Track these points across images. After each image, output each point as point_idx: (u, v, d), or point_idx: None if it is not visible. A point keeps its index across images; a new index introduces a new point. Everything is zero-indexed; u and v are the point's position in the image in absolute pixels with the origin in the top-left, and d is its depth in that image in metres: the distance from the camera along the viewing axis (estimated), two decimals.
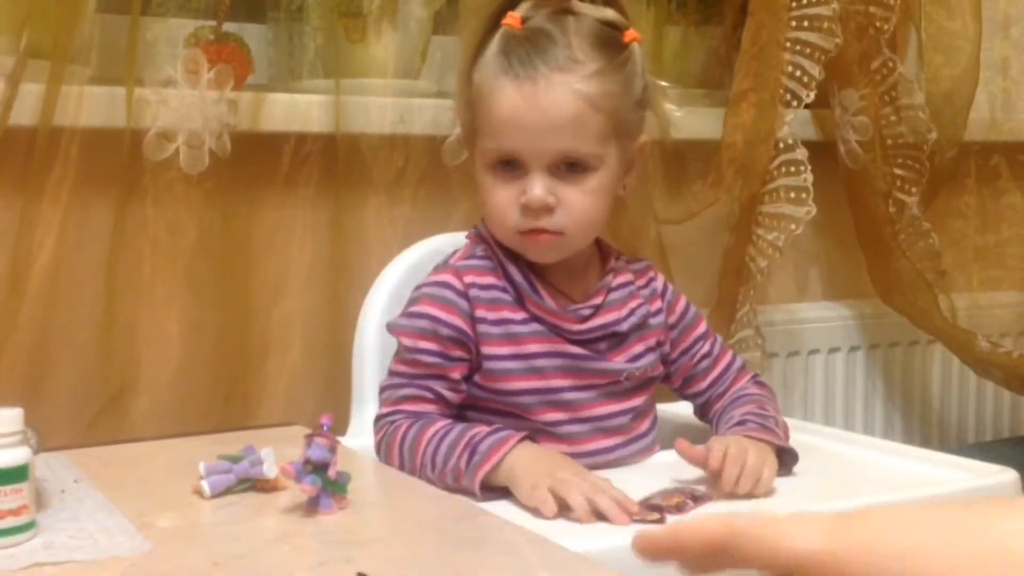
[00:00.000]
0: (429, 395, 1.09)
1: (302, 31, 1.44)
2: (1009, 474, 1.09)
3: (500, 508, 0.95)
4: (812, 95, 1.62)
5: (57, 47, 1.22)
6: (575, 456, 1.08)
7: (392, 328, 1.13)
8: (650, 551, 0.62)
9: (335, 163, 1.41)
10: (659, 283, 1.21)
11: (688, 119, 1.64)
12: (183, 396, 1.35)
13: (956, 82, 1.80)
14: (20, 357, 1.25)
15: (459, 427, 1.05)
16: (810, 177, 1.61)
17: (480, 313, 1.10)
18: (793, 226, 1.61)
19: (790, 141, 1.63)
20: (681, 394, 1.25)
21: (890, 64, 1.72)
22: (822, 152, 1.71)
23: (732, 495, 1.01)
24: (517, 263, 1.13)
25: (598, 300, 1.14)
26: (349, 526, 0.86)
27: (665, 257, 1.58)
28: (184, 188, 1.33)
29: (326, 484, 0.88)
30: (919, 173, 1.77)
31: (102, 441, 1.19)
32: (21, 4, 1.22)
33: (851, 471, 1.14)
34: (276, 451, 0.96)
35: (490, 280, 1.12)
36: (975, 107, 1.82)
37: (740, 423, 1.12)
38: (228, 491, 0.93)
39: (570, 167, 1.08)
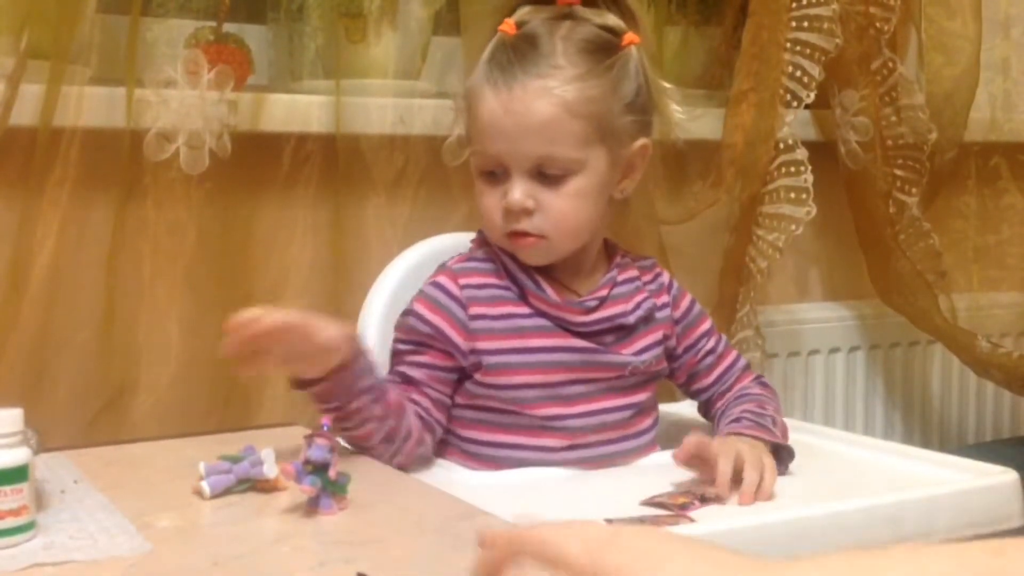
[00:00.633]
0: (398, 379, 1.12)
1: (302, 32, 1.44)
2: (1009, 474, 1.09)
3: (500, 508, 0.95)
4: (812, 95, 1.62)
5: (57, 47, 1.22)
6: (573, 450, 1.09)
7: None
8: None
9: (335, 163, 1.41)
10: (665, 278, 1.22)
11: (688, 119, 1.64)
12: (183, 396, 1.35)
13: (956, 82, 1.79)
14: (20, 357, 1.25)
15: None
16: (810, 177, 1.61)
17: (478, 310, 1.12)
18: (793, 226, 1.61)
19: (790, 141, 1.63)
20: (686, 391, 1.26)
21: (890, 64, 1.72)
22: (822, 152, 1.71)
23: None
24: (517, 264, 1.14)
25: (603, 293, 1.15)
26: (349, 526, 0.86)
27: (665, 257, 1.58)
28: (184, 188, 1.33)
29: (326, 484, 0.88)
30: (919, 173, 1.77)
31: (102, 441, 1.19)
32: (21, 4, 1.22)
33: (851, 471, 1.14)
34: (276, 451, 0.96)
35: (491, 280, 1.14)
36: (975, 107, 1.82)
37: (736, 420, 1.13)
38: (228, 491, 0.93)
39: (550, 171, 1.09)
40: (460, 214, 1.48)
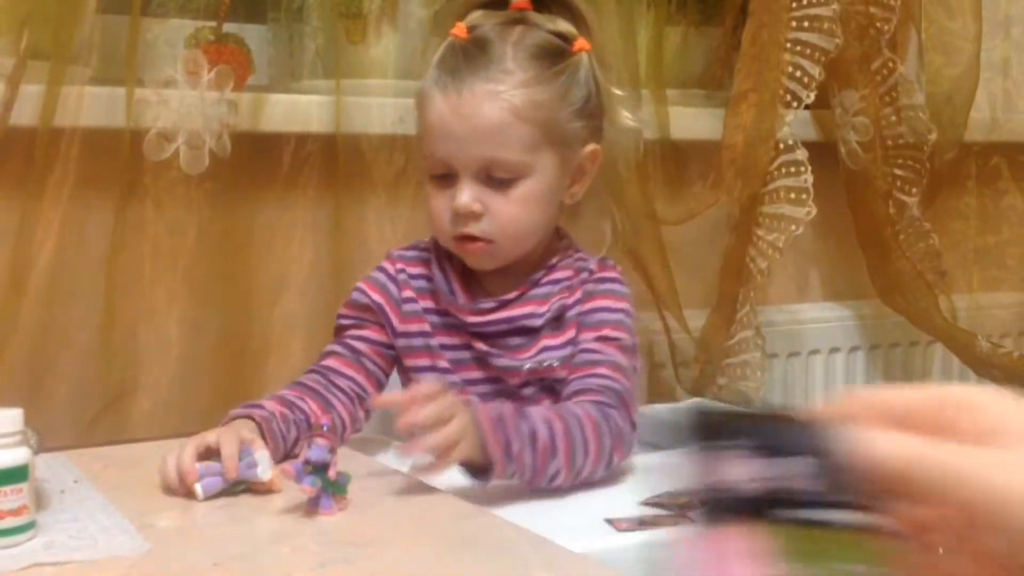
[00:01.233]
0: (340, 349, 1.15)
1: (302, 32, 1.44)
2: None
3: (500, 508, 0.95)
4: (812, 95, 1.62)
5: (57, 47, 1.22)
6: None
7: None
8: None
9: (335, 163, 1.41)
10: (591, 278, 1.15)
11: (688, 119, 1.64)
12: (183, 396, 1.35)
13: (956, 82, 1.79)
14: (20, 357, 1.25)
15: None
16: (810, 178, 1.61)
17: (409, 294, 1.16)
18: (793, 227, 1.61)
19: (790, 142, 1.63)
20: None
21: (890, 64, 1.72)
22: (822, 153, 1.71)
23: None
24: (445, 259, 1.16)
25: (512, 295, 1.14)
26: (349, 526, 0.86)
27: (665, 257, 1.58)
28: (184, 188, 1.33)
29: (326, 485, 0.88)
30: (919, 174, 1.76)
31: (102, 442, 1.20)
32: (21, 4, 1.23)
33: None
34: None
35: (420, 270, 1.17)
36: (975, 107, 1.82)
37: (521, 412, 1.01)
38: (222, 493, 0.93)
39: (498, 175, 1.10)
40: None
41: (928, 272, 1.76)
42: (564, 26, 1.14)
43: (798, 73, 1.62)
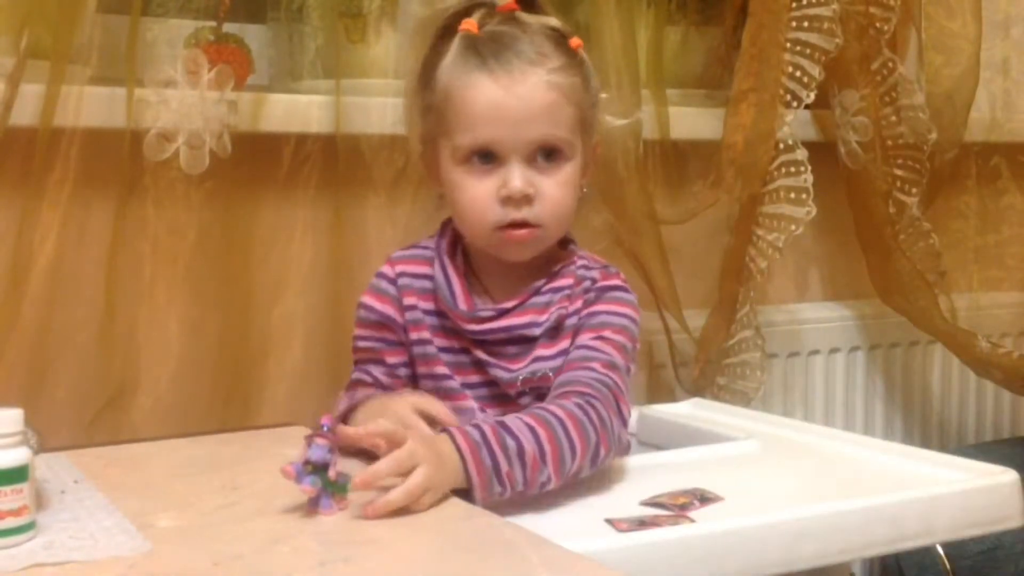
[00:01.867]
0: (368, 379, 1.16)
1: (302, 31, 1.44)
2: (1009, 474, 1.09)
3: (500, 508, 0.95)
4: (812, 95, 1.62)
5: (57, 47, 1.22)
6: None
7: None
8: None
9: (335, 163, 1.41)
10: (593, 286, 1.14)
11: (688, 119, 1.64)
12: (183, 396, 1.35)
13: (956, 82, 1.79)
14: (20, 357, 1.25)
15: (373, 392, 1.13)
16: (810, 178, 1.61)
17: (412, 300, 1.15)
18: (793, 227, 1.61)
19: (790, 141, 1.63)
20: None
21: (890, 64, 1.72)
22: (822, 152, 1.71)
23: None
24: (448, 260, 1.14)
25: (511, 303, 1.13)
26: (349, 526, 0.86)
27: (665, 257, 1.58)
28: (184, 188, 1.33)
29: (326, 485, 0.88)
30: (919, 173, 1.77)
31: (102, 441, 1.20)
32: (21, 4, 1.22)
33: (851, 471, 1.14)
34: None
35: (423, 270, 1.16)
36: (975, 107, 1.82)
37: (503, 424, 0.99)
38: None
39: (546, 157, 1.10)
40: None
41: (928, 272, 1.76)
42: (555, 22, 1.14)
43: (798, 73, 1.62)
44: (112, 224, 1.29)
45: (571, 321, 1.13)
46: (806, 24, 1.61)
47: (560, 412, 1.01)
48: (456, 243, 1.16)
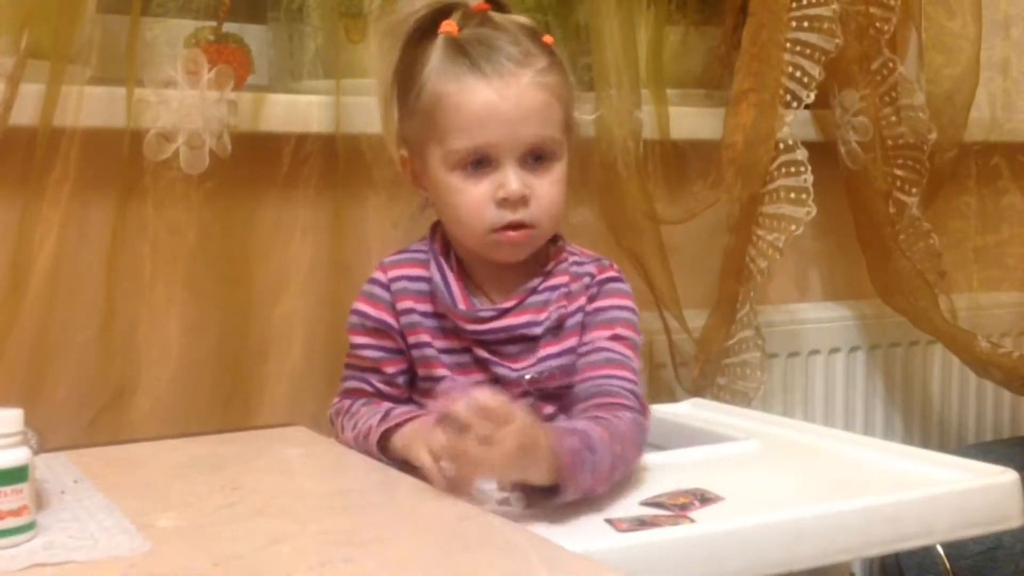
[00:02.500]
0: (367, 387, 1.16)
1: (302, 31, 1.44)
2: (1009, 474, 1.09)
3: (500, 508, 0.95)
4: (812, 95, 1.62)
5: (57, 47, 1.22)
6: None
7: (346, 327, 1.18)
8: None
9: (335, 163, 1.41)
10: (593, 282, 1.15)
11: (688, 119, 1.64)
12: (183, 396, 1.35)
13: (956, 82, 1.79)
14: (20, 357, 1.25)
15: (388, 404, 1.13)
16: (810, 178, 1.61)
17: (407, 304, 1.14)
18: (793, 227, 1.61)
19: (790, 142, 1.63)
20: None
21: (890, 64, 1.72)
22: (822, 152, 1.71)
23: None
24: (443, 260, 1.14)
25: (510, 303, 1.13)
26: (349, 526, 0.86)
27: (665, 257, 1.58)
28: (184, 188, 1.33)
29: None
30: (919, 173, 1.77)
31: (102, 441, 1.20)
32: (21, 4, 1.22)
33: (851, 471, 1.14)
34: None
35: (418, 272, 1.15)
36: (975, 107, 1.82)
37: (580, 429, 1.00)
38: None
39: (537, 158, 1.10)
40: None
41: (928, 272, 1.76)
42: (527, 21, 1.15)
43: (798, 73, 1.62)
44: (112, 224, 1.29)
45: (575, 319, 1.13)
46: (806, 24, 1.61)
47: (624, 430, 1.03)
48: (448, 245, 1.16)
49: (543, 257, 1.16)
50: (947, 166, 1.81)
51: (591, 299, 1.14)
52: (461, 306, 1.12)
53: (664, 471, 1.10)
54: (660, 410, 1.41)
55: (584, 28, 1.54)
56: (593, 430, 1.00)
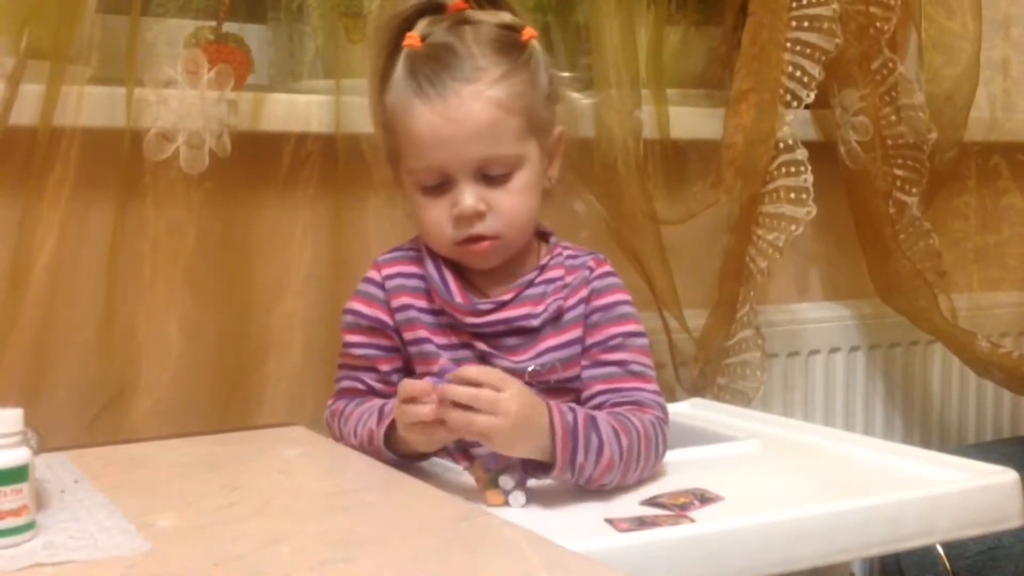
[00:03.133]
0: (361, 386, 1.16)
1: (302, 31, 1.44)
2: (1009, 474, 1.09)
3: (500, 508, 0.95)
4: (812, 95, 1.62)
5: (57, 47, 1.22)
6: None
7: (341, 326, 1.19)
8: None
9: (335, 163, 1.41)
10: (593, 275, 1.16)
11: (688, 119, 1.64)
12: (183, 396, 1.35)
13: (956, 82, 1.79)
14: (20, 357, 1.25)
15: (379, 401, 1.12)
16: (810, 177, 1.61)
17: (404, 300, 1.14)
18: (793, 226, 1.61)
19: (790, 141, 1.63)
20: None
21: (890, 64, 1.72)
22: (822, 152, 1.71)
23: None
24: (437, 257, 1.15)
25: (508, 296, 1.14)
26: (349, 526, 0.86)
27: (665, 257, 1.58)
28: (184, 188, 1.33)
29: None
30: (919, 173, 1.76)
31: (102, 441, 1.20)
32: (21, 4, 1.22)
33: (851, 471, 1.14)
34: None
35: (413, 269, 1.16)
36: (975, 107, 1.82)
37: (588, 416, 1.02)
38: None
39: (495, 172, 1.10)
40: None
41: (928, 272, 1.76)
42: (507, 18, 1.15)
43: (798, 73, 1.62)
44: (112, 224, 1.29)
45: (577, 311, 1.14)
46: (806, 24, 1.61)
47: (639, 425, 1.05)
48: None
49: (532, 252, 1.18)
50: (947, 166, 1.81)
51: (594, 294, 1.15)
52: (459, 300, 1.13)
53: (664, 471, 1.10)
54: None
55: (584, 28, 1.54)
56: (601, 417, 1.02)
